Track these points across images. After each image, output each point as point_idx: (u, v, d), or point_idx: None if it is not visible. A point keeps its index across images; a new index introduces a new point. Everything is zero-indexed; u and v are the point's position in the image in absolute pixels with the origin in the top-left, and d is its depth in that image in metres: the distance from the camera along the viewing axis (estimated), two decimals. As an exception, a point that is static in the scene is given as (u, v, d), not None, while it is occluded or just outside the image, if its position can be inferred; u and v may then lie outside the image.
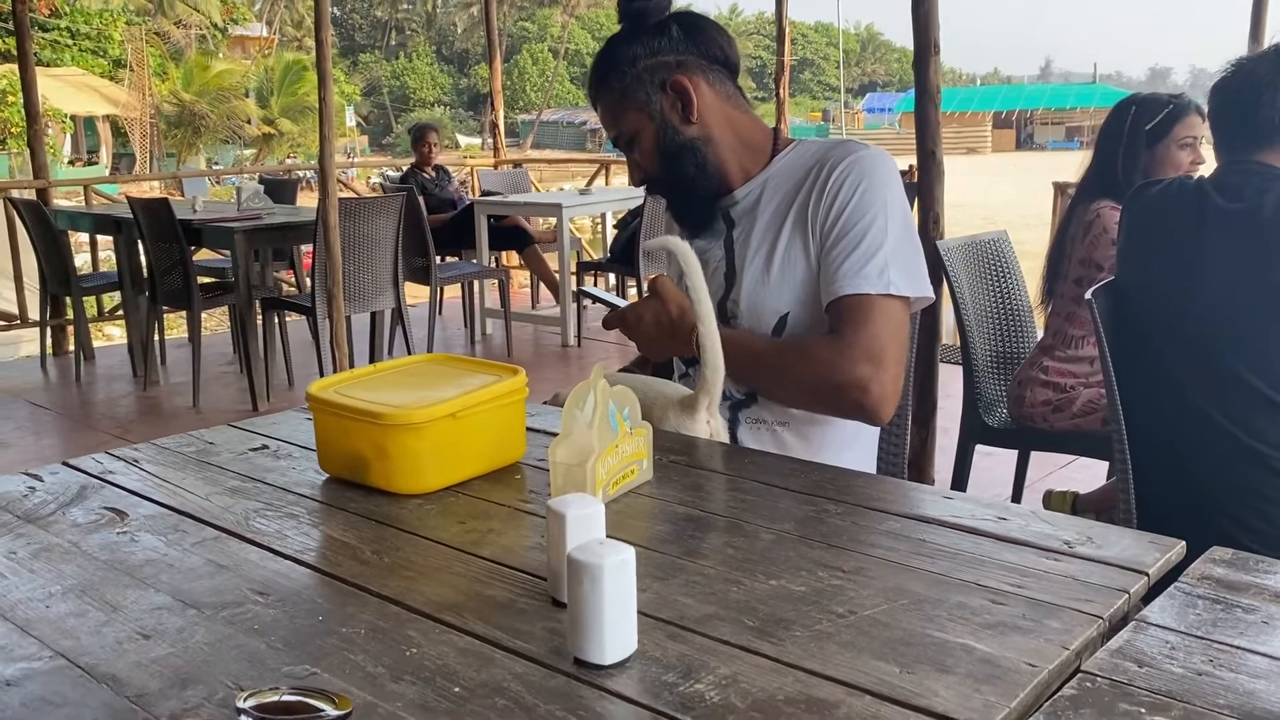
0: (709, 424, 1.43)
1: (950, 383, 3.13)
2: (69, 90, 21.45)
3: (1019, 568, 0.97)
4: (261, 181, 6.96)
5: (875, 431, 1.67)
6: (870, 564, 0.98)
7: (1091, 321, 2.84)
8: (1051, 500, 3.10)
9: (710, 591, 0.93)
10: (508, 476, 1.25)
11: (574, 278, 6.51)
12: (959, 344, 2.96)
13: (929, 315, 3.25)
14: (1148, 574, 0.96)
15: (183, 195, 13.48)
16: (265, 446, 1.40)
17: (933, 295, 1.53)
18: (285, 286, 7.33)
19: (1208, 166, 2.05)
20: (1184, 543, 1.02)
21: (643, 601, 0.86)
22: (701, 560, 1.00)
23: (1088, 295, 1.87)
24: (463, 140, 40.76)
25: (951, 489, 2.99)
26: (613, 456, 1.16)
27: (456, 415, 1.19)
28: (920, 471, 3.23)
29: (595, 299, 1.82)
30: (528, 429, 1.31)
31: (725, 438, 1.47)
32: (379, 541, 1.07)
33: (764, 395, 1.59)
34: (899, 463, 1.74)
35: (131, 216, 5.22)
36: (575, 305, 6.50)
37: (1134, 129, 2.72)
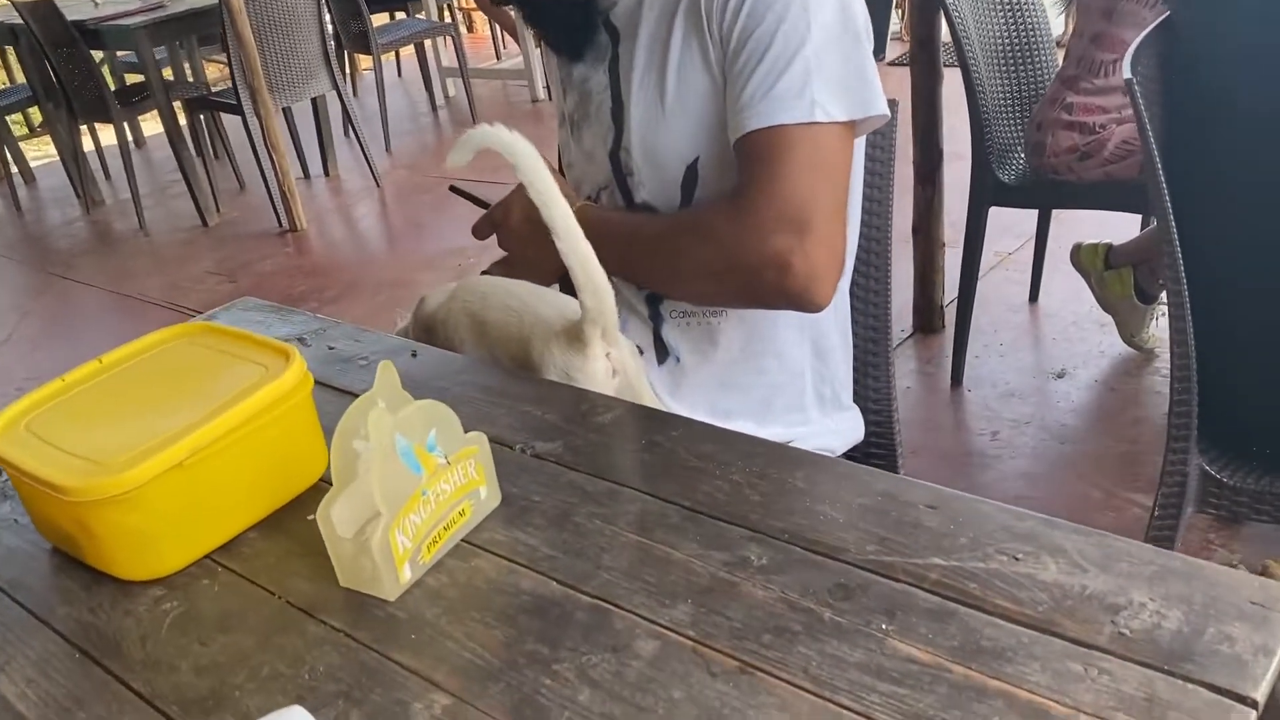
0: (609, 357, 1.02)
1: (957, 124, 2.63)
2: None
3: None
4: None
5: (841, 296, 1.25)
6: (800, 716, 0.61)
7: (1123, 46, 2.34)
8: (1081, 254, 2.67)
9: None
10: (296, 518, 0.87)
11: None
12: (963, 84, 2.44)
13: (926, 50, 2.70)
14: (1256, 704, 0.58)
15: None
16: (-3, 473, 1.02)
17: (886, 112, 1.05)
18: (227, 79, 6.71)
19: None
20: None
21: None
22: (535, 724, 0.63)
23: (1127, 58, 1.36)
24: None
25: (964, 258, 2.58)
26: (418, 511, 0.76)
27: (186, 464, 0.79)
28: (928, 237, 2.79)
29: (471, 198, 1.30)
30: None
31: (637, 369, 1.06)
32: (71, 706, 0.71)
33: (668, 296, 1.17)
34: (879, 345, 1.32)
35: (23, 22, 4.60)
36: (539, 52, 5.85)
37: None
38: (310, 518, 0.86)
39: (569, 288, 1.00)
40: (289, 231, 4.47)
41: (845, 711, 0.61)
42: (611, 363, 1.02)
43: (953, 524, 0.74)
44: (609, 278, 0.97)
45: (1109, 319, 2.74)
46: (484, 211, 1.24)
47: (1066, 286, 2.98)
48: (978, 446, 2.43)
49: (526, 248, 1.16)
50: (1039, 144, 2.39)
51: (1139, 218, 2.92)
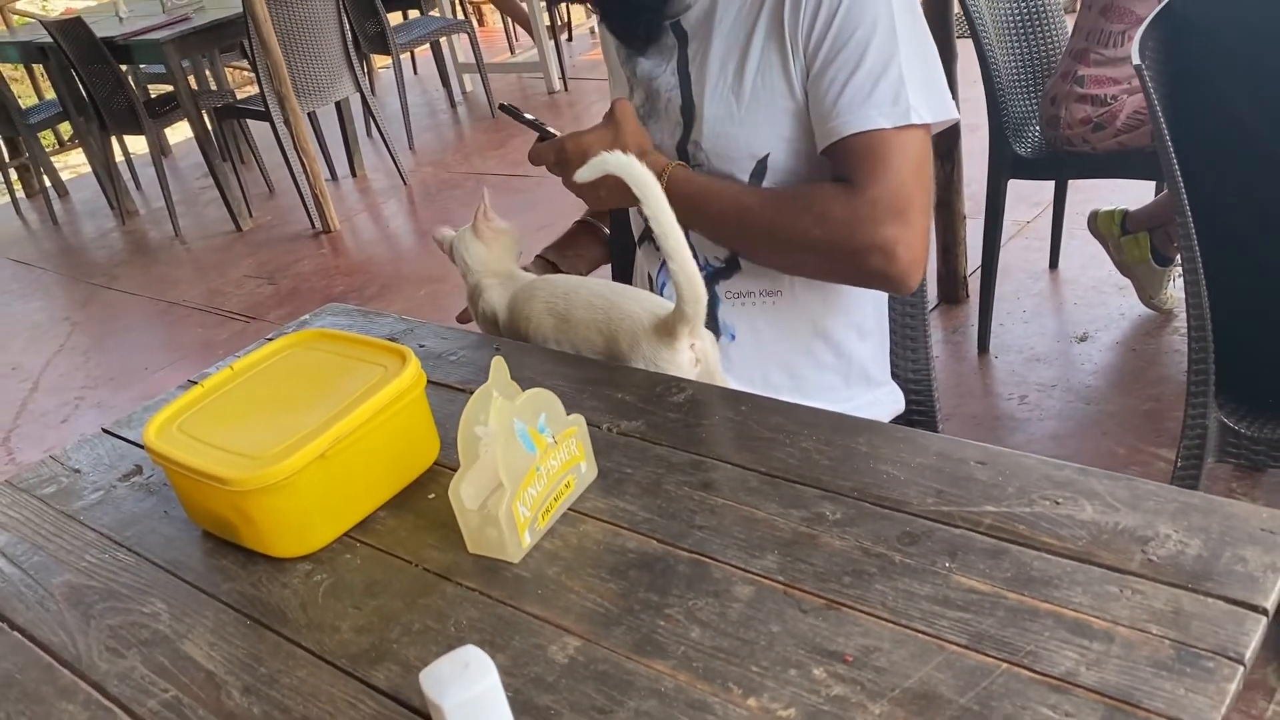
0: (693, 349, 1.13)
1: (970, 95, 2.73)
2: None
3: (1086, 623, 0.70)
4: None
5: (880, 310, 1.36)
6: (884, 641, 0.72)
7: (1132, 17, 2.42)
8: (1099, 221, 2.77)
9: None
10: (419, 497, 0.99)
11: (544, 11, 5.90)
12: (977, 60, 2.53)
13: (940, 26, 2.78)
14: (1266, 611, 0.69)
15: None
16: (138, 470, 1.14)
17: (957, 114, 1.17)
18: (250, 84, 6.83)
19: None
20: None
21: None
22: (654, 658, 0.75)
23: (1135, 43, 1.47)
24: None
25: (986, 229, 2.68)
26: (534, 485, 0.88)
27: (328, 455, 0.91)
28: (949, 210, 2.89)
29: (520, 118, 1.35)
30: (439, 386, 1.03)
31: (715, 356, 1.17)
32: (252, 663, 0.83)
33: (755, 261, 1.27)
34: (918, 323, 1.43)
35: (53, 40, 4.73)
36: (553, 43, 5.94)
37: None
38: (431, 496, 0.98)
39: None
40: (322, 233, 4.60)
41: (920, 635, 0.72)
42: (695, 353, 1.13)
43: (1000, 476, 0.86)
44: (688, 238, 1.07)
45: (1127, 282, 2.84)
46: (539, 134, 1.30)
47: (1084, 252, 3.08)
48: (1007, 410, 2.53)
49: (597, 192, 1.23)
50: (1053, 117, 2.48)
51: (1152, 184, 3.01)
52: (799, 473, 0.91)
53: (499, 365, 0.90)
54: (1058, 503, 0.82)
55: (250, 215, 4.93)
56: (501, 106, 1.33)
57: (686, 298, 1.06)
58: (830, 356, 1.32)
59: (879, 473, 0.89)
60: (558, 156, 1.25)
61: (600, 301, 1.18)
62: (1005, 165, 2.58)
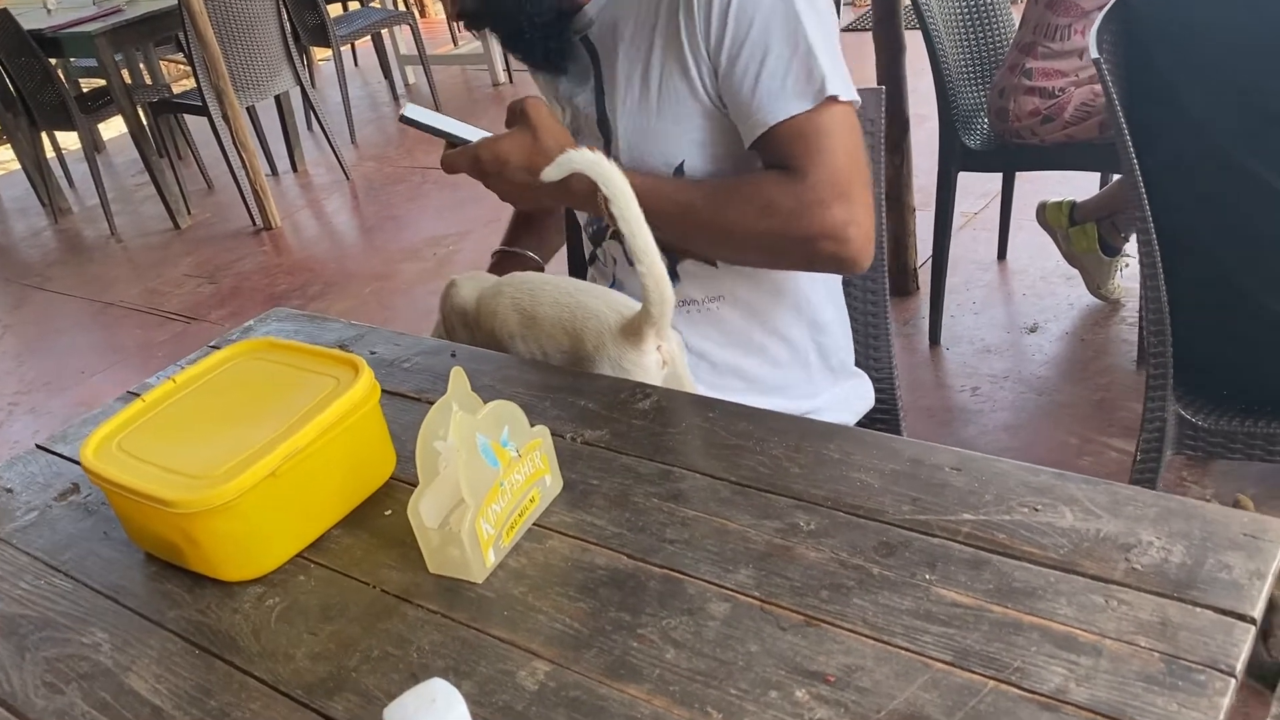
0: (659, 350, 1.10)
1: (918, 85, 2.72)
2: None
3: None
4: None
5: (834, 298, 1.34)
6: (866, 659, 0.70)
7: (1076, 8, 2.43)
8: (1047, 212, 2.78)
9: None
10: (375, 514, 0.95)
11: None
12: (926, 52, 2.52)
13: (888, 19, 2.78)
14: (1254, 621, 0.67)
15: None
16: (75, 489, 1.08)
17: (859, 98, 1.15)
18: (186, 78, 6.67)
19: None
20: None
21: None
22: (628, 682, 0.72)
23: (1091, 36, 1.46)
24: None
25: (936, 222, 2.68)
26: (498, 501, 0.85)
27: (278, 473, 0.87)
28: (899, 203, 2.89)
29: (423, 127, 1.20)
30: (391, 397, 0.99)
31: (682, 359, 1.14)
32: (202, 696, 0.79)
33: (702, 256, 1.24)
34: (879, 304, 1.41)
35: (-24, 33, 4.56)
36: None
37: None
38: (388, 513, 0.94)
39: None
40: (264, 230, 4.49)
41: (903, 652, 0.70)
42: (662, 355, 1.10)
43: (977, 482, 0.84)
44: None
45: (1075, 273, 2.86)
46: (448, 141, 1.20)
47: (1032, 243, 3.10)
48: (959, 402, 2.54)
49: (523, 196, 1.18)
50: (1002, 109, 2.49)
51: (1097, 175, 3.04)
52: (770, 481, 0.89)
53: (458, 376, 0.86)
54: (1036, 509, 0.80)
55: (189, 212, 4.81)
56: (401, 118, 1.21)
57: (653, 299, 1.03)
58: (785, 353, 1.30)
59: (852, 480, 0.87)
60: (472, 166, 1.16)
61: (566, 299, 1.15)
62: (955, 157, 2.58)
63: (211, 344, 1.33)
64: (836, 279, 1.35)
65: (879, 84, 2.82)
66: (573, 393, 1.07)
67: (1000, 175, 2.94)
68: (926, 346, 2.79)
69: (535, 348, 1.17)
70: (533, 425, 0.90)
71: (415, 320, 3.33)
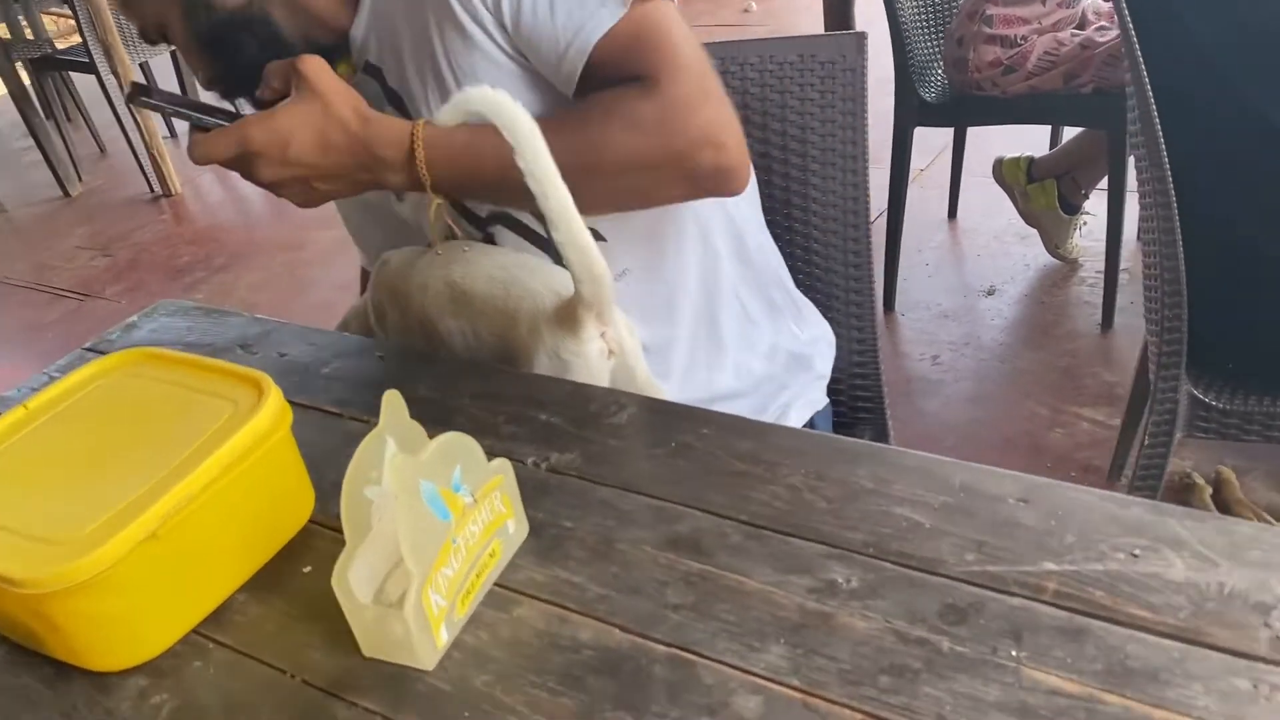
0: (604, 337, 0.92)
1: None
2: None
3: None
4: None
5: (752, 227, 1.16)
6: (949, 778, 0.53)
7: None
8: (1004, 168, 2.65)
9: None
10: (290, 572, 0.75)
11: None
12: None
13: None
14: None
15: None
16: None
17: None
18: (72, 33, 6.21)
19: None
20: None
21: None
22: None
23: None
24: None
25: (891, 182, 2.52)
26: (450, 563, 0.66)
27: (160, 534, 0.67)
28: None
29: (161, 107, 0.96)
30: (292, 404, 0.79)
31: (634, 348, 0.95)
32: (64, 844, 0.59)
33: (582, 208, 1.04)
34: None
35: None
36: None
37: None
38: (307, 569, 0.75)
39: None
40: (162, 197, 4.17)
41: (1002, 766, 0.53)
42: (607, 343, 0.92)
43: (1052, 519, 0.67)
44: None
45: (1030, 232, 2.74)
46: (194, 124, 0.95)
47: (983, 201, 2.97)
48: (920, 372, 2.40)
49: (313, 191, 0.94)
50: (960, 60, 2.33)
51: (1049, 131, 2.92)
52: (790, 521, 0.71)
53: (393, 403, 0.67)
54: (1135, 554, 0.64)
55: (79, 179, 4.45)
56: (131, 98, 0.94)
57: (581, 276, 0.84)
58: (730, 316, 1.12)
59: (895, 519, 0.70)
60: (241, 149, 0.90)
61: (501, 274, 0.95)
62: (911, 112, 2.42)
63: (86, 346, 1.11)
64: (747, 199, 1.16)
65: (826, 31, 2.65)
66: (531, 404, 0.88)
67: (950, 131, 2.80)
68: (881, 312, 2.64)
69: (467, 328, 0.98)
70: (503, 459, 0.71)
71: (331, 295, 3.08)
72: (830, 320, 1.25)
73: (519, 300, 0.94)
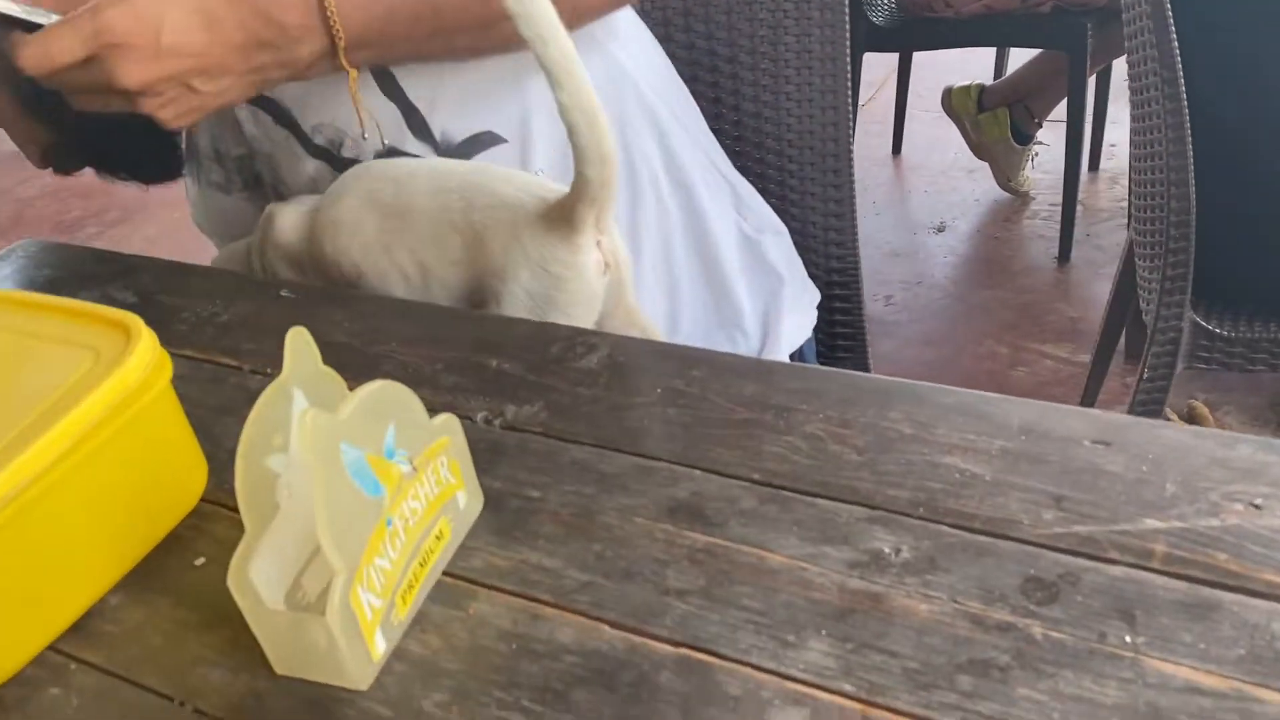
0: (600, 246, 0.76)
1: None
2: None
3: None
4: None
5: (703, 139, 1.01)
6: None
7: None
8: (953, 98, 2.53)
9: None
10: (178, 565, 0.59)
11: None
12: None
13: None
14: None
15: None
16: None
17: None
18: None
19: None
20: None
21: None
22: None
23: None
24: None
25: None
26: (385, 552, 0.50)
27: (1, 520, 0.50)
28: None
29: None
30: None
31: (629, 262, 0.80)
32: None
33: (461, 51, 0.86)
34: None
35: None
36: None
37: None
38: (200, 562, 0.59)
39: None
40: (50, 148, 3.87)
41: (1144, 796, 0.40)
42: (603, 253, 0.76)
43: (1143, 465, 0.54)
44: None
45: (978, 165, 2.64)
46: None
47: (927, 135, 2.86)
48: (874, 313, 2.28)
49: (189, 92, 0.74)
50: (911, -21, 2.20)
51: (993, 63, 2.81)
52: (816, 479, 0.57)
53: (298, 344, 0.51)
54: (1256, 505, 0.51)
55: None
56: None
57: (588, 155, 0.69)
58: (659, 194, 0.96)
59: (946, 470, 0.56)
60: (96, 43, 0.69)
61: (455, 183, 0.78)
62: (859, 37, 2.28)
63: (-73, 295, 0.92)
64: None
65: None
66: (478, 347, 0.72)
67: (894, 60, 2.68)
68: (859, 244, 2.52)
69: (407, 264, 0.81)
70: (449, 414, 0.55)
71: (239, 247, 2.86)
72: (808, 263, 1.12)
73: (487, 210, 0.77)
